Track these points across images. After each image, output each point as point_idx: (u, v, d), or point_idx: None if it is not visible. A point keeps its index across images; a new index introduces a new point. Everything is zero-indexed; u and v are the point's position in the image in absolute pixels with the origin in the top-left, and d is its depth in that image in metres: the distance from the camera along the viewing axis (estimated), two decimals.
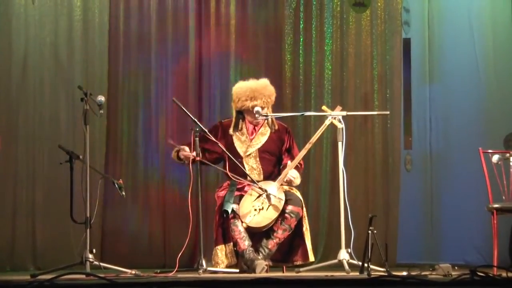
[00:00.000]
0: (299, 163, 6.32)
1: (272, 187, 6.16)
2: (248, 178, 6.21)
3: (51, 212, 7.43)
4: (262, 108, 6.29)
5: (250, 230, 6.10)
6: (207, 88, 8.10)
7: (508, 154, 6.55)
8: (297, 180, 6.31)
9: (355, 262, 5.98)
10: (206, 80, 8.11)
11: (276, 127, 6.44)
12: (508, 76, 8.46)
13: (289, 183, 6.27)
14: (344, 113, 6.25)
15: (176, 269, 5.92)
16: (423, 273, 5.52)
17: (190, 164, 6.17)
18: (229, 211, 6.08)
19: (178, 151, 6.31)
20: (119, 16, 7.96)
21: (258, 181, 6.21)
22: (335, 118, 6.22)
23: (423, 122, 8.61)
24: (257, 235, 6.14)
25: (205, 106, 8.09)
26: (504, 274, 4.85)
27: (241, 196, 6.19)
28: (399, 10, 8.49)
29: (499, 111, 8.39)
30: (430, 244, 8.41)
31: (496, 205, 6.54)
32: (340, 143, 6.14)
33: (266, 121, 6.40)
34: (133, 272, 5.76)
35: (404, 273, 5.60)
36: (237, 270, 6.14)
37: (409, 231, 8.35)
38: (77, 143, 6.99)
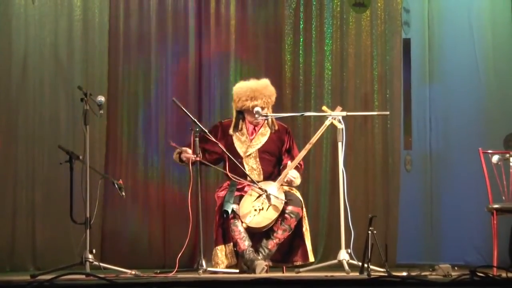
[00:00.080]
0: (299, 163, 6.31)
1: (272, 187, 6.16)
2: (248, 178, 6.21)
3: (51, 212, 7.42)
4: (263, 108, 6.29)
5: (250, 231, 6.10)
6: (207, 88, 8.10)
7: (508, 155, 6.54)
8: (297, 181, 6.31)
9: (355, 262, 5.98)
10: (206, 80, 8.10)
11: (276, 127, 6.44)
12: (508, 76, 8.47)
13: (289, 183, 6.27)
14: (344, 113, 6.25)
15: (176, 269, 5.92)
16: (423, 273, 5.52)
17: (190, 164, 6.18)
18: (229, 211, 6.08)
19: (179, 153, 6.31)
20: (119, 16, 7.96)
21: (258, 182, 6.21)
22: (335, 119, 6.22)
23: (423, 122, 8.61)
24: (257, 235, 6.14)
25: (205, 106, 8.09)
26: (504, 275, 4.85)
27: (241, 197, 6.19)
28: (399, 11, 8.49)
29: (499, 111, 8.40)
30: (430, 245, 8.42)
31: (496, 206, 6.54)
32: (340, 144, 6.14)
33: (266, 121, 6.40)
34: (133, 272, 5.76)
35: (404, 274, 5.59)
36: (237, 271, 6.14)
37: (409, 232, 8.35)
38: (77, 143, 6.99)
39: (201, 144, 6.17)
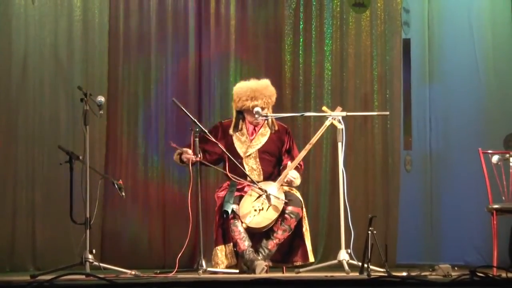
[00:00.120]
0: (299, 163, 6.31)
1: (272, 187, 6.16)
2: (248, 178, 6.21)
3: (51, 212, 7.42)
4: (263, 108, 6.29)
5: (250, 231, 6.10)
6: (207, 88, 8.10)
7: (508, 155, 6.54)
8: (297, 181, 6.31)
9: (355, 262, 5.98)
10: (206, 80, 8.10)
11: (276, 127, 6.43)
12: (508, 76, 8.47)
13: (289, 183, 6.27)
14: (344, 113, 6.25)
15: (176, 269, 5.92)
16: (423, 273, 5.52)
17: (190, 165, 6.18)
18: (229, 211, 6.08)
19: (180, 154, 6.31)
20: (119, 16, 7.96)
21: (258, 182, 6.21)
22: (335, 119, 6.21)
23: (423, 122, 8.61)
24: (257, 235, 6.14)
25: (205, 106, 8.09)
26: (504, 275, 4.85)
27: (241, 197, 6.19)
28: (399, 11, 8.50)
29: (499, 111, 8.40)
30: (430, 245, 8.42)
31: (496, 206, 6.54)
32: (340, 144, 6.14)
33: (266, 121, 6.39)
34: (133, 272, 5.76)
35: (404, 274, 5.59)
36: (237, 271, 6.14)
37: (409, 232, 8.36)
38: (77, 144, 6.99)
39: (201, 145, 6.17)
